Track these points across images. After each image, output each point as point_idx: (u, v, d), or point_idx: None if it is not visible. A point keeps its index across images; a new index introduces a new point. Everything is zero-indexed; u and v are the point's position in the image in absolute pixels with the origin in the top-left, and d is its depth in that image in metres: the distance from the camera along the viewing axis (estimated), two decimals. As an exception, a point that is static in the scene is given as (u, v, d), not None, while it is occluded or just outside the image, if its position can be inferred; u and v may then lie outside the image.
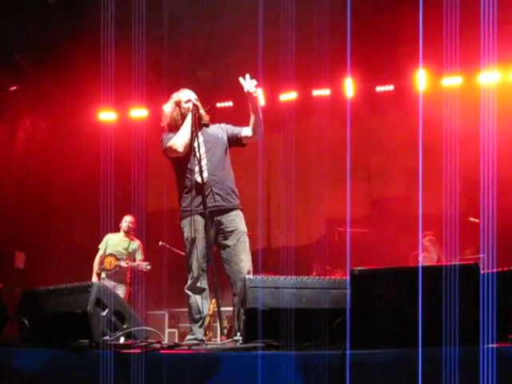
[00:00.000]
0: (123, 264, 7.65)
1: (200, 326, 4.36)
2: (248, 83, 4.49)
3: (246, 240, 4.45)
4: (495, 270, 3.14)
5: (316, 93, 9.27)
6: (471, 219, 6.84)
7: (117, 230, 7.88)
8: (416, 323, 2.82)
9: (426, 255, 7.90)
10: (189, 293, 4.40)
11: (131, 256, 7.80)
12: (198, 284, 4.35)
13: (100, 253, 7.77)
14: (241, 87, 4.51)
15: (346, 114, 8.09)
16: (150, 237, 8.06)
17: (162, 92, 8.67)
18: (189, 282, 4.39)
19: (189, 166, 4.46)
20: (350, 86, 8.96)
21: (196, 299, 4.35)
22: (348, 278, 3.23)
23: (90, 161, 8.41)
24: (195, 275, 4.34)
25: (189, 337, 4.40)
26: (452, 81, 8.51)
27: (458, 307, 2.84)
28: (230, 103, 9.36)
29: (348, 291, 3.22)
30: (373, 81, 9.09)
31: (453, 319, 2.79)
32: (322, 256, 7.79)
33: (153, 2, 5.90)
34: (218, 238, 4.41)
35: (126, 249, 7.79)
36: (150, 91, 7.70)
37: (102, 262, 7.73)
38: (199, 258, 4.35)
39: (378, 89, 9.20)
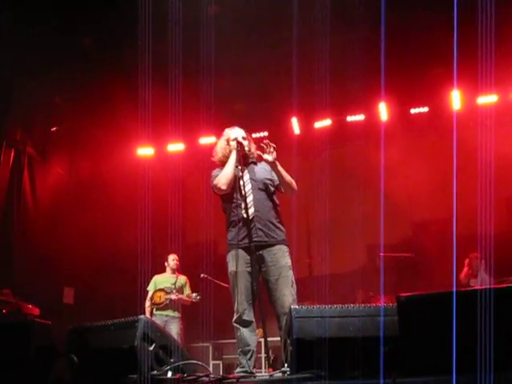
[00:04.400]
0: (173, 297, 7.64)
1: (249, 359, 4.37)
2: (266, 153, 4.50)
3: (289, 274, 4.46)
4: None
5: (350, 119, 9.26)
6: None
7: (161, 267, 7.98)
8: (469, 348, 2.75)
9: (479, 280, 7.71)
10: (237, 326, 4.42)
11: (179, 291, 7.81)
12: (245, 317, 4.37)
13: (150, 294, 7.76)
14: (273, 118, 4.55)
15: (381, 138, 8.04)
16: (191, 270, 8.11)
17: (198, 126, 8.85)
18: (235, 316, 4.42)
19: (235, 201, 4.53)
20: (384, 110, 8.93)
21: (244, 332, 4.38)
22: (395, 304, 3.20)
23: (130, 197, 8.51)
24: (241, 309, 4.37)
25: (238, 369, 4.39)
26: (487, 99, 8.39)
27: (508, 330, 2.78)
28: (264, 133, 9.41)
29: (395, 318, 3.18)
30: (407, 103, 9.06)
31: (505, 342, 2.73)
32: (365, 282, 7.69)
33: (189, 38, 6.00)
34: (261, 272, 4.44)
35: (174, 284, 7.80)
36: (186, 125, 7.80)
37: (151, 298, 7.73)
38: (243, 292, 4.39)
39: (413, 111, 9.15)
